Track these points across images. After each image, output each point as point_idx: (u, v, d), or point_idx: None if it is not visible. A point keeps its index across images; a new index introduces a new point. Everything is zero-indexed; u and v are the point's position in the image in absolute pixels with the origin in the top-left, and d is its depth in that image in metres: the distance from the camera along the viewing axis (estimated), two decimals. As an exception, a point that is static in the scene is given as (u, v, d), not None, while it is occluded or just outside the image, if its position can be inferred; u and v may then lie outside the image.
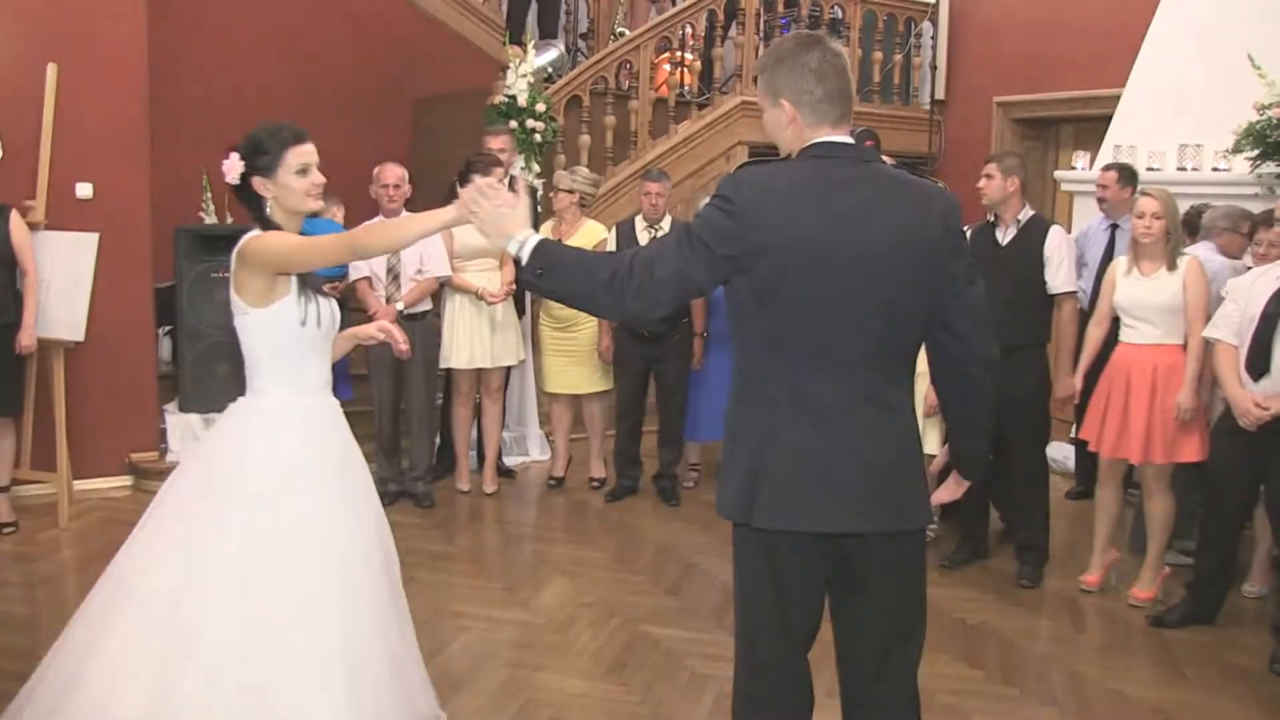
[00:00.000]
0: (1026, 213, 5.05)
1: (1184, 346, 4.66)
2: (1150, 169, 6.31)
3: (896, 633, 2.64)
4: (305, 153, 3.07)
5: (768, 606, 2.58)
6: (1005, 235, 5.04)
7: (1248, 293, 4.39)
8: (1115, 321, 4.89)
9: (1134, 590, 4.86)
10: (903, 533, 2.53)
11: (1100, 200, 5.88)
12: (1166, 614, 4.65)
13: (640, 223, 6.05)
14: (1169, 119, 6.40)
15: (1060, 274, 4.96)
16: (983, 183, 5.02)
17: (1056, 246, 4.97)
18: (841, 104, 2.49)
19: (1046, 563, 5.18)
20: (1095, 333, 4.96)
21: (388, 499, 6.03)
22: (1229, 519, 4.51)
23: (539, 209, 6.98)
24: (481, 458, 6.44)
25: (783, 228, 2.38)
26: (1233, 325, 4.40)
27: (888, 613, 2.61)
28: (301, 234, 6.00)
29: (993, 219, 5.10)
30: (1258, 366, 4.28)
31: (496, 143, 6.44)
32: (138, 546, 3.02)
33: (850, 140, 2.51)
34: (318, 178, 3.15)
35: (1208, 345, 4.52)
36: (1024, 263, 4.98)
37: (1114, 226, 5.81)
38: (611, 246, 6.01)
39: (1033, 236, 4.99)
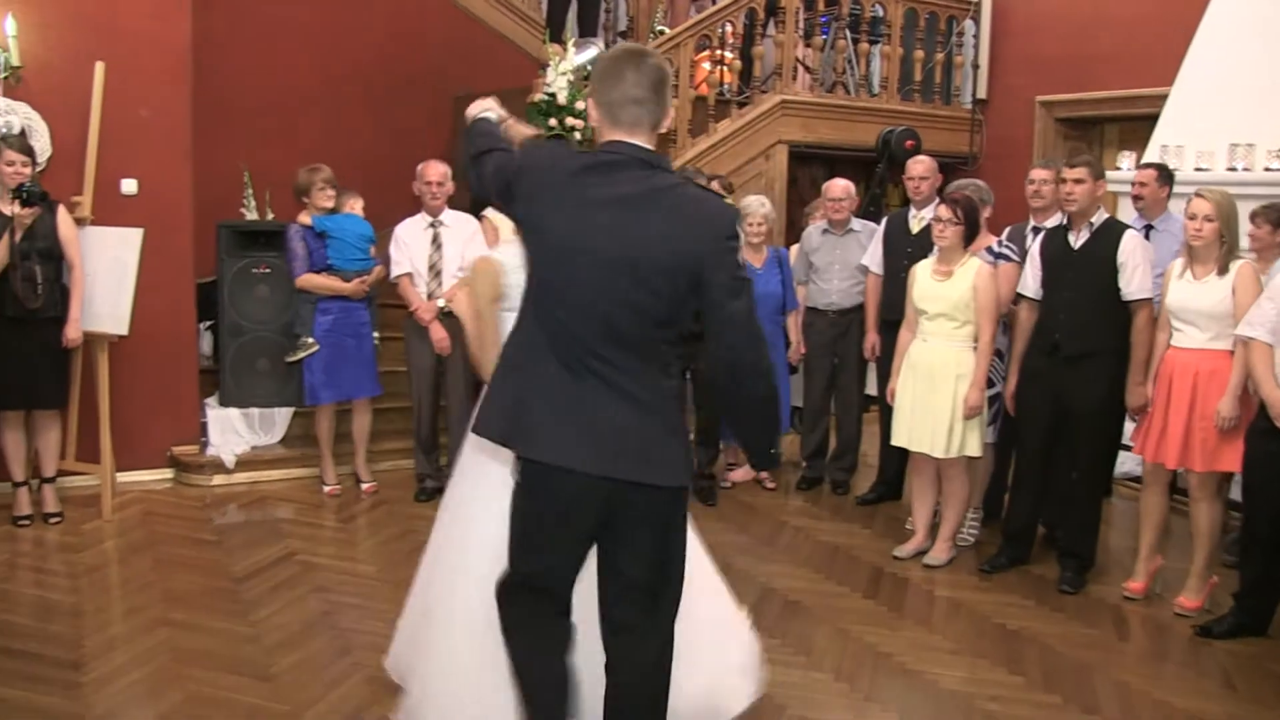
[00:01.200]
0: (1100, 216, 4.95)
1: (1232, 353, 4.54)
2: (1199, 169, 6.22)
3: (636, 591, 2.82)
4: None
5: (526, 523, 2.84)
6: (1078, 239, 4.94)
7: None
8: None
9: (1180, 599, 4.78)
10: (653, 487, 2.71)
11: (1136, 199, 5.72)
12: (1215, 624, 4.56)
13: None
14: (1219, 117, 6.29)
15: (1135, 279, 4.81)
16: (1070, 187, 4.88)
17: (1131, 251, 4.83)
18: (632, 111, 2.68)
19: (1090, 569, 5.12)
20: (1162, 337, 4.83)
21: (425, 495, 6.07)
22: (1269, 525, 4.40)
23: None
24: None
25: (540, 204, 2.70)
26: (1269, 324, 4.30)
27: (637, 563, 2.80)
28: (321, 230, 6.11)
29: (1065, 221, 5.02)
30: None
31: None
32: None
33: (647, 147, 2.69)
34: None
35: (1243, 344, 4.42)
36: (1097, 267, 4.86)
37: (1148, 227, 5.68)
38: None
39: (1107, 240, 4.87)
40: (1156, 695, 4.04)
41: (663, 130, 2.76)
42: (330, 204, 6.04)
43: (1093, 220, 4.92)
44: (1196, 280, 4.64)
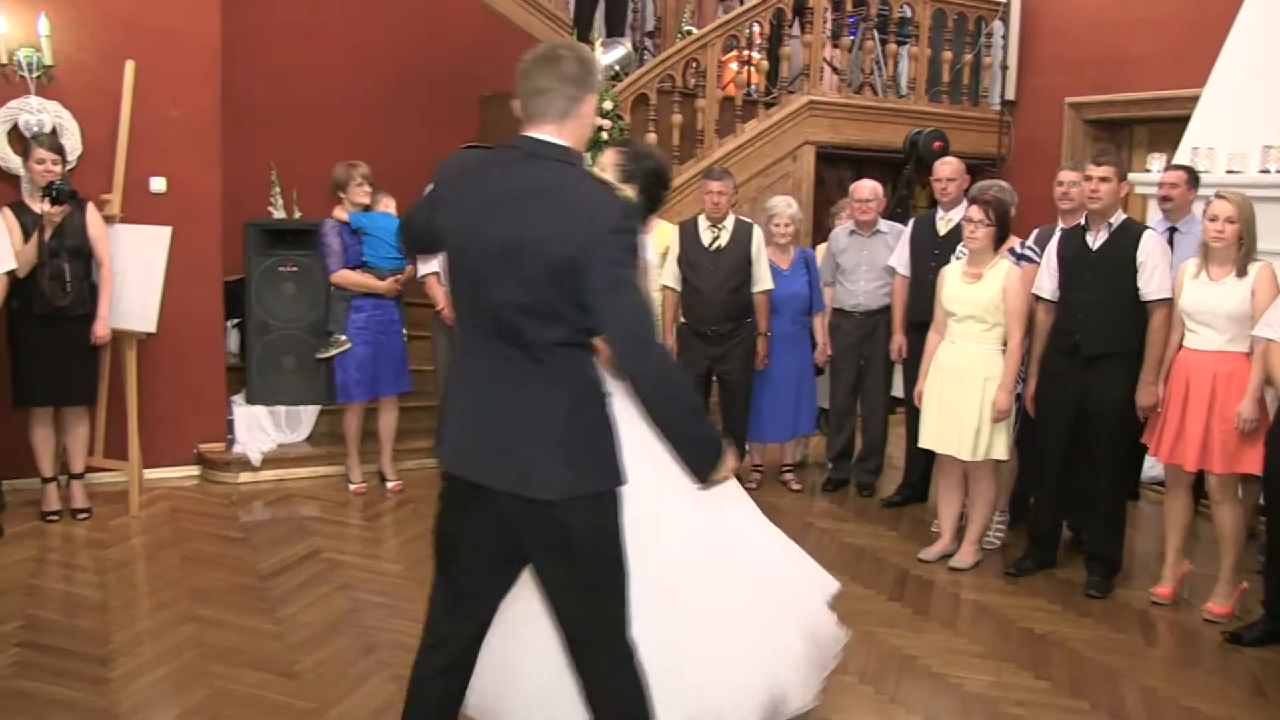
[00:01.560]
0: (1119, 216, 4.92)
1: (1248, 355, 4.52)
2: (1230, 171, 6.14)
3: (568, 609, 2.72)
4: None
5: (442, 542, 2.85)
6: (1096, 239, 4.91)
7: None
8: None
9: (1209, 605, 4.74)
10: (540, 501, 2.60)
11: (1164, 200, 5.68)
12: (1244, 630, 4.51)
13: (703, 222, 6.01)
14: (1252, 119, 6.21)
15: (1155, 279, 4.78)
16: (1095, 185, 4.83)
17: (1150, 251, 4.80)
18: (536, 103, 2.62)
19: (1117, 574, 5.07)
20: (1175, 338, 4.80)
21: (450, 494, 6.07)
22: None
23: None
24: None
25: (445, 206, 2.70)
26: None
27: (562, 580, 2.71)
28: (357, 227, 6.13)
29: (1084, 222, 4.99)
30: None
31: None
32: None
33: (548, 139, 2.62)
34: None
35: (1263, 346, 4.38)
36: (1116, 267, 4.84)
37: (1172, 229, 5.63)
38: (675, 246, 5.98)
39: (1125, 241, 4.84)
40: (1185, 702, 3.99)
41: (580, 120, 2.66)
42: (366, 200, 6.06)
43: (1111, 221, 4.89)
44: (1213, 281, 4.61)
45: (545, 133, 2.62)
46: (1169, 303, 4.79)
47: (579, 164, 2.66)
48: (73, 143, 5.78)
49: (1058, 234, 5.18)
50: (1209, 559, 5.10)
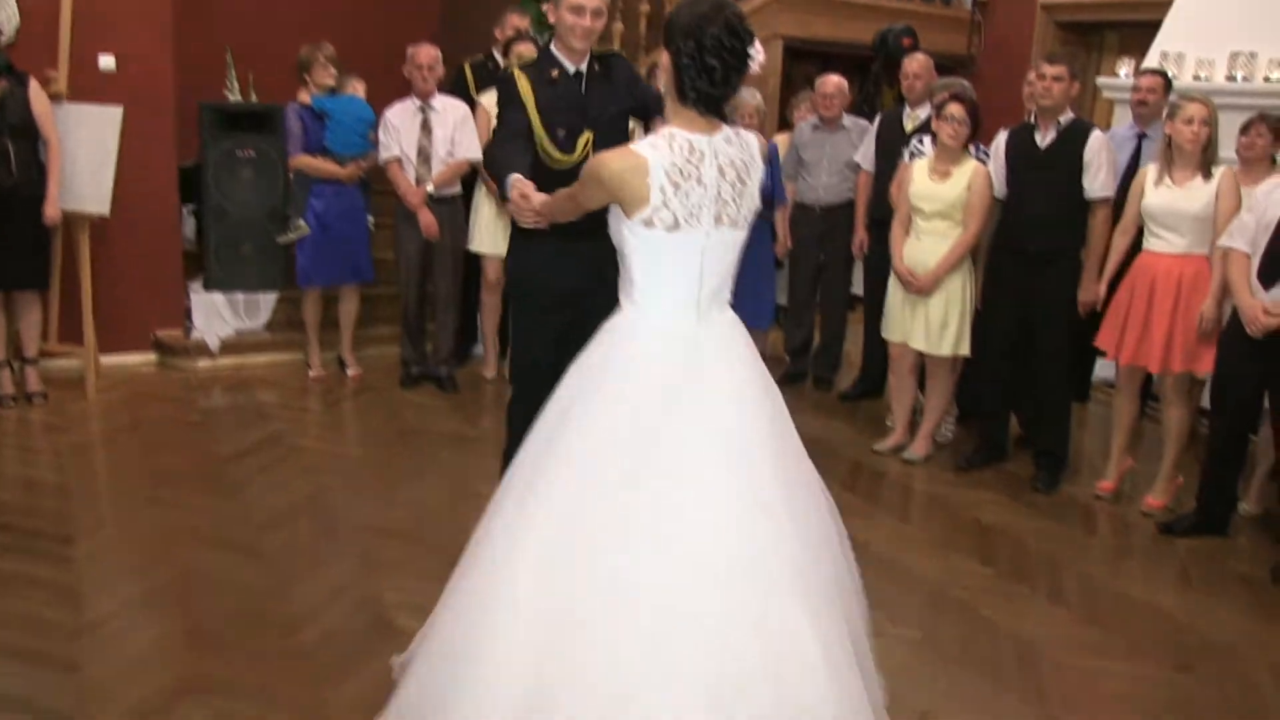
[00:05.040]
0: (1068, 116, 4.94)
1: (1209, 257, 4.60)
2: (1197, 78, 6.15)
3: None
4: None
5: None
6: (1045, 139, 4.93)
7: (1264, 201, 4.33)
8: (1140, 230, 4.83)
9: (1147, 498, 4.88)
10: None
11: (1140, 105, 5.69)
12: (1176, 522, 4.67)
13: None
14: (1222, 25, 6.20)
15: (1099, 179, 4.85)
16: (1049, 84, 4.84)
17: (1097, 151, 4.85)
18: None
19: (1064, 469, 5.20)
20: (1121, 241, 4.88)
21: (410, 381, 6.10)
22: (1234, 425, 4.51)
23: None
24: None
25: None
26: (1247, 234, 4.34)
27: None
28: (320, 111, 5.92)
29: (1031, 121, 5.00)
30: (1270, 275, 4.23)
31: (521, 22, 6.36)
32: None
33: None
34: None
35: (1223, 253, 4.45)
36: (1063, 167, 4.88)
37: (1142, 135, 5.65)
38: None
39: (1073, 140, 4.88)
40: (1116, 588, 4.15)
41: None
42: (332, 82, 5.93)
43: (1060, 120, 4.92)
44: (1177, 185, 4.64)
45: None
46: (1110, 202, 4.87)
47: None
48: (8, 13, 5.56)
49: (1003, 134, 5.19)
50: (1151, 457, 5.24)
